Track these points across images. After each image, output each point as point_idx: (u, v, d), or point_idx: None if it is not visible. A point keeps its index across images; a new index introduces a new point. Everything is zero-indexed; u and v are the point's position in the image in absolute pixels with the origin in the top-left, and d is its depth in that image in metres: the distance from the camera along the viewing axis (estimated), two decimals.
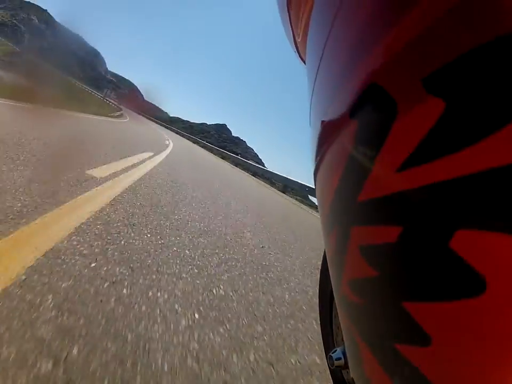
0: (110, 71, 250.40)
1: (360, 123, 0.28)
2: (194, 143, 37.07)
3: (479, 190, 0.17)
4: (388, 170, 0.24)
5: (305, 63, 0.54)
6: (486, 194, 0.17)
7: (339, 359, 0.62)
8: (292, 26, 0.61)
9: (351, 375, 0.40)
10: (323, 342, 0.91)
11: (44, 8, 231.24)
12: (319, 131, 0.40)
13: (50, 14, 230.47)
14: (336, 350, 0.65)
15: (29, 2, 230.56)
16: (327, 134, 0.37)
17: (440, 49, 0.20)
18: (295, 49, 0.69)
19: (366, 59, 0.27)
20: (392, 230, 0.24)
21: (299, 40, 0.61)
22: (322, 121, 0.39)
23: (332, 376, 0.78)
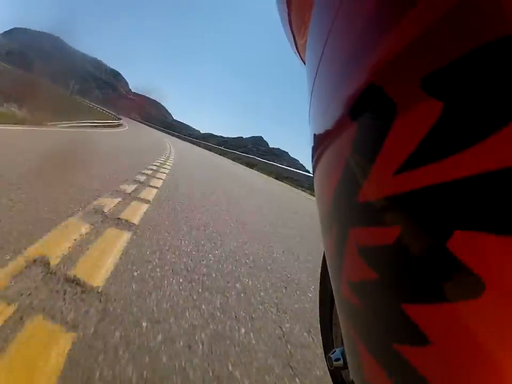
0: (133, 92, 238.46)
1: (359, 124, 0.28)
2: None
3: (477, 191, 0.17)
4: (387, 171, 0.24)
5: (305, 64, 0.54)
6: (485, 196, 0.17)
7: (338, 359, 0.62)
8: (291, 27, 0.61)
9: (350, 376, 0.40)
10: (322, 343, 0.91)
11: (56, 35, 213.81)
12: (318, 131, 0.40)
13: (63, 40, 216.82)
14: (335, 351, 0.64)
15: (40, 31, 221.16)
16: (326, 134, 0.37)
17: (439, 50, 0.20)
18: (295, 50, 0.69)
19: (365, 60, 0.27)
20: (391, 231, 0.24)
21: (299, 41, 0.61)
22: (321, 122, 0.39)
23: (331, 377, 0.78)
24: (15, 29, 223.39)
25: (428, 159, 0.20)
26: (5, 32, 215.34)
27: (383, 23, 0.25)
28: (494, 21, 0.17)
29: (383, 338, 0.28)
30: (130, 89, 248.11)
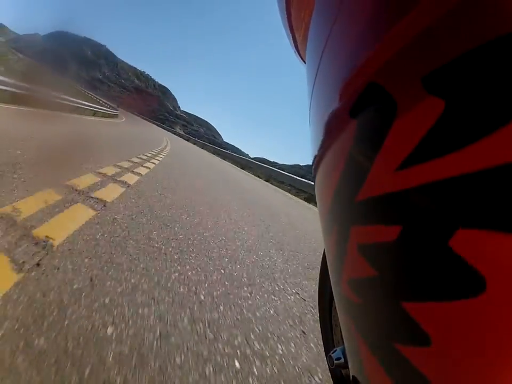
0: (183, 110, 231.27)
1: (360, 122, 0.28)
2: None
3: (478, 189, 0.17)
4: (388, 169, 0.24)
5: (305, 63, 0.54)
6: (486, 194, 0.17)
7: (339, 358, 0.62)
8: (292, 26, 0.61)
9: (350, 375, 0.40)
10: (323, 342, 0.91)
11: (103, 43, 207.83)
12: (319, 131, 0.40)
13: (110, 49, 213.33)
14: (336, 350, 0.64)
15: (86, 37, 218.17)
16: (327, 133, 0.37)
17: (440, 48, 0.20)
18: (295, 49, 0.69)
19: (366, 58, 0.27)
20: (392, 229, 0.24)
21: (299, 40, 0.61)
22: (322, 121, 0.39)
23: (331, 376, 0.78)
24: (57, 32, 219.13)
25: (429, 157, 0.20)
26: (48, 33, 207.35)
27: (383, 22, 0.25)
28: (495, 19, 0.17)
29: (383, 336, 0.29)
30: (179, 106, 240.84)
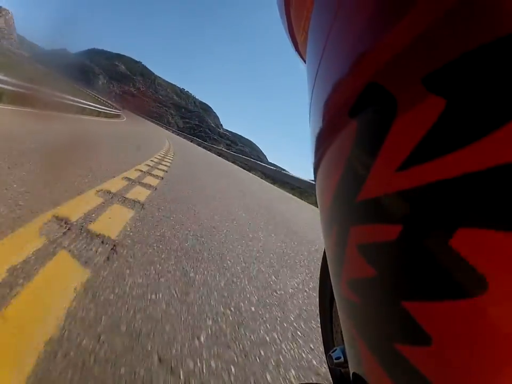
0: (225, 129, 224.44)
1: (360, 122, 0.28)
2: None
3: (480, 188, 0.17)
4: (388, 169, 0.24)
5: (305, 63, 0.54)
6: (488, 193, 0.17)
7: (338, 358, 0.61)
8: (292, 26, 0.61)
9: (350, 374, 0.39)
10: (323, 341, 0.91)
11: (138, 60, 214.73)
12: (319, 130, 0.40)
13: (147, 66, 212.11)
14: (336, 349, 0.64)
15: (119, 54, 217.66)
16: (327, 133, 0.37)
17: (441, 47, 0.20)
18: (295, 49, 0.69)
19: (366, 58, 0.27)
20: (392, 229, 0.24)
21: (299, 40, 0.61)
22: (322, 121, 0.39)
23: (331, 375, 0.78)
24: (92, 49, 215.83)
25: (429, 156, 0.20)
26: (82, 51, 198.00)
27: (383, 21, 0.25)
28: (497, 19, 0.17)
29: (383, 336, 0.29)
30: (221, 124, 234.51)
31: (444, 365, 0.21)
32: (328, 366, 0.73)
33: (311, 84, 0.44)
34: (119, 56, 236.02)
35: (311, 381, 1.29)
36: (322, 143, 0.39)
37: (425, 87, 0.20)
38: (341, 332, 0.45)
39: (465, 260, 0.18)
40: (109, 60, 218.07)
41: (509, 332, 0.17)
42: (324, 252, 0.71)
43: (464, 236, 0.18)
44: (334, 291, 0.42)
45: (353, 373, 0.38)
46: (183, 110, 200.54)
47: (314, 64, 0.41)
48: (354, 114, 0.29)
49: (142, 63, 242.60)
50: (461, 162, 0.18)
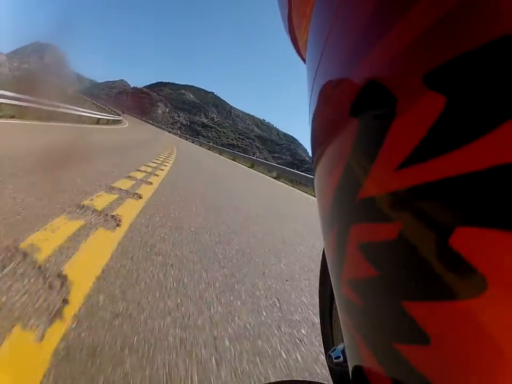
0: None
1: (360, 121, 0.28)
2: None
3: (481, 187, 0.17)
4: (389, 167, 0.24)
5: (305, 62, 0.54)
6: (489, 192, 0.17)
7: (338, 357, 0.62)
8: (292, 24, 0.61)
9: (350, 374, 0.39)
10: (323, 341, 0.91)
11: (209, 90, 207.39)
12: (319, 129, 0.40)
13: (218, 95, 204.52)
14: (335, 349, 0.64)
15: (186, 85, 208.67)
16: (327, 132, 0.37)
17: (442, 46, 0.19)
18: (295, 48, 0.69)
19: (366, 56, 0.27)
20: (393, 228, 0.24)
21: (300, 39, 0.61)
22: (322, 120, 0.39)
23: (331, 375, 0.78)
24: (159, 82, 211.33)
25: (430, 155, 0.20)
26: (150, 84, 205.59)
27: (384, 20, 0.25)
28: (499, 18, 0.17)
29: (383, 336, 0.29)
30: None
31: (442, 365, 0.21)
32: (328, 365, 0.73)
33: (310, 82, 0.44)
34: (187, 87, 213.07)
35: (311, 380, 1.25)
36: (322, 141, 0.39)
37: (426, 86, 0.20)
38: (341, 331, 0.45)
39: (464, 260, 0.18)
40: (173, 90, 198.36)
41: (508, 332, 0.17)
42: (323, 251, 0.71)
43: (463, 235, 0.18)
44: (333, 290, 0.42)
45: (353, 372, 0.38)
46: (269, 142, 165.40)
47: (314, 62, 0.40)
48: (355, 113, 0.29)
49: (214, 93, 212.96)
50: (462, 161, 0.18)
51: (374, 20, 0.26)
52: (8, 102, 8.30)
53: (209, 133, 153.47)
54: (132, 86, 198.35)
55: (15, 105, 8.60)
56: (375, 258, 0.28)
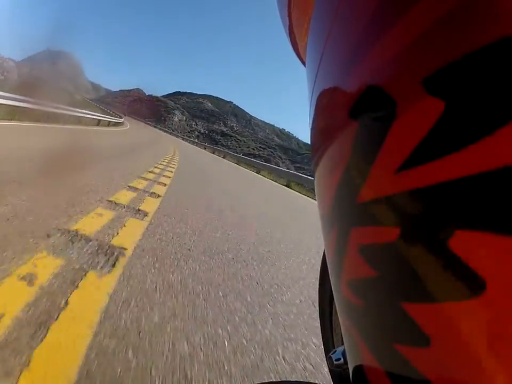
0: None
1: (360, 124, 0.28)
2: None
3: (479, 190, 0.17)
4: (389, 170, 0.24)
5: (305, 65, 0.54)
6: (488, 195, 0.17)
7: (338, 359, 0.62)
8: (292, 27, 0.61)
9: (350, 375, 0.39)
10: (323, 343, 0.91)
11: (228, 99, 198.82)
12: (319, 131, 0.41)
13: (238, 105, 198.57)
14: (335, 351, 0.65)
15: (204, 94, 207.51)
16: (327, 134, 0.37)
17: (441, 49, 0.20)
18: (295, 50, 0.69)
19: (366, 60, 0.27)
20: (392, 230, 0.24)
21: (299, 41, 0.61)
22: (322, 122, 0.39)
23: (331, 377, 0.78)
24: (176, 92, 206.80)
25: (429, 158, 0.20)
26: (167, 94, 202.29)
27: (384, 22, 0.25)
28: (497, 20, 0.17)
29: (383, 337, 0.29)
30: None
31: (442, 366, 0.21)
32: (328, 367, 0.73)
33: (311, 85, 0.44)
34: (205, 96, 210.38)
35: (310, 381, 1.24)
36: (322, 143, 0.39)
37: (425, 89, 0.20)
38: (341, 333, 0.45)
39: (464, 262, 0.18)
40: (191, 98, 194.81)
41: (507, 333, 0.17)
42: (324, 253, 0.71)
43: (462, 238, 0.18)
44: (333, 291, 0.42)
45: (353, 373, 0.38)
46: (290, 152, 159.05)
47: (314, 65, 0.41)
48: (355, 115, 0.29)
49: (233, 103, 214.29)
50: (462, 164, 0.18)
51: (373, 23, 0.26)
52: (2, 102, 8.05)
53: (229, 142, 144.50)
54: (147, 94, 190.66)
55: (10, 105, 8.37)
56: (376, 260, 0.28)
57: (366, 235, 0.29)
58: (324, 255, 0.78)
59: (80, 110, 14.30)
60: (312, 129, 0.45)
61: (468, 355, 0.19)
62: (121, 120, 30.58)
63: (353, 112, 0.29)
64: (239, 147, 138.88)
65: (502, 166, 0.16)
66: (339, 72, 0.33)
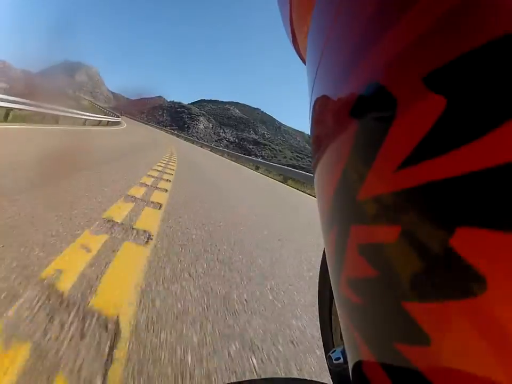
0: None
1: (360, 121, 0.28)
2: None
3: (480, 188, 0.17)
4: (389, 168, 0.24)
5: (305, 63, 0.54)
6: (488, 193, 0.17)
7: (338, 358, 0.62)
8: (292, 25, 0.61)
9: (350, 375, 0.39)
10: (322, 342, 0.91)
11: (255, 106, 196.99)
12: (320, 129, 0.41)
13: (266, 113, 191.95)
14: (335, 350, 0.65)
15: (231, 101, 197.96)
16: (328, 132, 0.37)
17: (442, 47, 0.19)
18: (296, 48, 0.69)
19: (366, 57, 0.27)
20: (392, 229, 0.24)
21: (300, 39, 0.61)
22: (323, 120, 0.39)
23: (331, 376, 0.78)
24: (201, 100, 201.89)
25: (429, 156, 0.20)
26: (192, 102, 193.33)
27: (384, 21, 0.25)
28: (498, 18, 0.17)
29: (383, 336, 0.28)
30: None
31: (443, 365, 0.21)
32: (328, 366, 0.73)
33: (311, 83, 0.44)
34: (232, 103, 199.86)
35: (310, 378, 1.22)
36: (323, 141, 0.39)
37: (426, 87, 0.20)
38: (341, 332, 0.45)
39: (464, 260, 0.18)
40: (216, 105, 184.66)
41: (508, 332, 0.17)
42: (324, 252, 0.72)
43: (463, 236, 0.18)
44: (333, 290, 0.42)
45: (353, 372, 0.38)
46: None
47: (315, 63, 0.41)
48: (355, 113, 0.29)
49: (261, 110, 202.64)
50: (462, 161, 0.18)
51: (373, 22, 0.26)
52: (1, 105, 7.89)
53: (263, 151, 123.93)
54: (168, 101, 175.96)
55: (7, 107, 8.19)
56: (375, 259, 0.28)
57: (365, 233, 0.29)
58: (324, 255, 0.78)
59: (75, 111, 14.27)
60: (313, 127, 0.45)
61: (468, 354, 0.19)
62: (119, 119, 31.38)
63: (353, 110, 0.29)
64: (275, 157, 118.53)
65: (502, 163, 0.16)
66: (339, 71, 0.33)
